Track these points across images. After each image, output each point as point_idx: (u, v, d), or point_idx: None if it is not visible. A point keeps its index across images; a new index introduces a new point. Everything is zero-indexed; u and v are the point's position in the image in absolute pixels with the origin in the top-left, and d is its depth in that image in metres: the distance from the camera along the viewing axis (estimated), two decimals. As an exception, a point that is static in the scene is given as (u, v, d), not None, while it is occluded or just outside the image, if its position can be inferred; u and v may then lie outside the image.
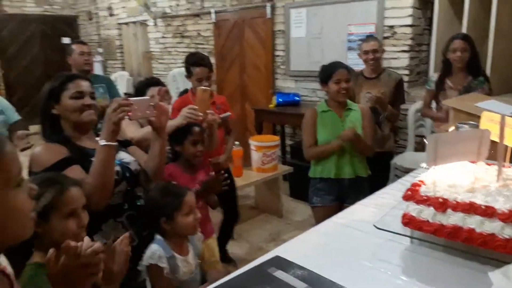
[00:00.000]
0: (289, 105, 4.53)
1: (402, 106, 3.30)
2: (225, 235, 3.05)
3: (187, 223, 1.56)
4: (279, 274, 1.04)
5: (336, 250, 1.21)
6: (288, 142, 4.90)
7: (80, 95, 1.52)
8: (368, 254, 1.16)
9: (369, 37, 3.40)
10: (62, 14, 8.09)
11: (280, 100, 4.57)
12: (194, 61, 2.55)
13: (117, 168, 1.53)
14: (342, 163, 2.41)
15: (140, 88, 2.17)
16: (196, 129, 2.01)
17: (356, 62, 3.66)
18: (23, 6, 7.66)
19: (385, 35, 3.88)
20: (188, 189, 1.63)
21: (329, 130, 2.40)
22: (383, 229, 1.16)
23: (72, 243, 0.93)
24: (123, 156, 1.62)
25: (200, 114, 1.89)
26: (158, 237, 1.56)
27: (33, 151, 1.51)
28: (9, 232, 0.76)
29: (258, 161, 3.80)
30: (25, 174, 0.88)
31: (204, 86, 2.52)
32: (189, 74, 2.57)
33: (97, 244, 0.96)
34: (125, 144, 1.71)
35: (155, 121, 1.56)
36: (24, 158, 1.03)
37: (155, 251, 1.50)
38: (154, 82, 2.23)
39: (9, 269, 0.86)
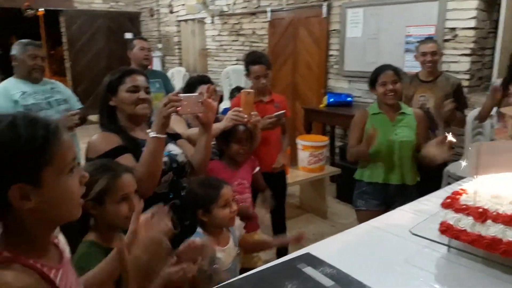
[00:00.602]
0: (341, 105, 4.47)
1: (460, 112, 3.16)
2: (280, 233, 3.04)
3: (223, 216, 1.60)
4: (308, 270, 1.05)
5: (369, 253, 1.20)
6: (338, 143, 4.84)
7: (135, 89, 1.61)
8: (401, 259, 1.14)
9: (428, 39, 3.29)
10: (127, 10, 8.51)
11: (332, 100, 4.53)
12: (252, 59, 2.62)
13: (165, 159, 1.61)
14: (391, 168, 2.36)
15: (191, 85, 2.26)
16: (241, 128, 2.07)
17: (413, 64, 3.56)
18: (91, 2, 8.14)
19: (446, 37, 3.72)
20: (225, 183, 1.68)
21: (380, 134, 2.35)
22: (418, 235, 1.14)
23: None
24: (172, 148, 1.71)
25: (245, 116, 1.94)
26: (198, 229, 1.63)
27: (90, 138, 1.63)
28: (59, 214, 0.83)
29: (304, 160, 3.79)
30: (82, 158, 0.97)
31: (262, 84, 2.59)
32: (247, 72, 2.63)
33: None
34: (174, 137, 1.80)
35: (202, 117, 1.62)
36: (82, 146, 1.12)
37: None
38: (205, 79, 2.31)
39: (61, 241, 0.95)
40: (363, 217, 2.40)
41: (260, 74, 2.57)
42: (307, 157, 3.76)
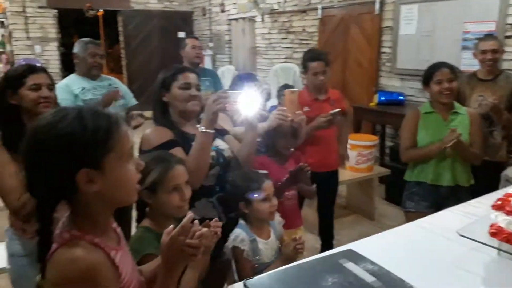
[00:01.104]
0: (392, 104, 4.35)
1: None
2: (327, 236, 3.02)
3: (263, 209, 1.64)
4: (350, 265, 1.06)
5: (413, 252, 1.18)
6: (388, 143, 4.71)
7: (187, 86, 1.68)
8: (447, 261, 1.11)
9: (488, 35, 3.11)
10: (180, 10, 8.78)
11: (383, 98, 4.42)
12: (311, 55, 2.65)
13: (213, 153, 1.67)
14: (442, 169, 2.28)
15: (238, 82, 2.31)
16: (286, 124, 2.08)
17: (470, 63, 3.39)
18: (147, 2, 8.48)
19: (507, 34, 3.51)
20: (266, 177, 1.71)
21: (432, 133, 2.28)
22: (467, 237, 1.11)
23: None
24: (219, 143, 1.77)
25: (289, 115, 1.96)
26: (241, 221, 1.68)
27: (144, 132, 1.72)
28: (118, 197, 0.91)
29: (352, 160, 3.74)
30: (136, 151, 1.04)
31: (319, 81, 2.59)
32: (305, 69, 2.65)
33: (205, 231, 1.03)
34: (222, 133, 1.86)
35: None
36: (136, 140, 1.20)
37: (238, 234, 1.62)
38: (251, 77, 2.35)
39: (118, 228, 1.03)
40: (411, 219, 2.32)
41: (318, 71, 2.58)
42: (355, 156, 3.71)
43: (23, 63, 5.84)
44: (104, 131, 0.85)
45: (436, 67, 2.28)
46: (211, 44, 8.23)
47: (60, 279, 0.82)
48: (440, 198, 2.30)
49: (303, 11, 5.78)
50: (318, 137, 2.59)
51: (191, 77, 1.71)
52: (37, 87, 1.59)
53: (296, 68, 5.75)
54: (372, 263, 1.07)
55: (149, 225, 1.38)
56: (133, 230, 1.51)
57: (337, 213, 3.79)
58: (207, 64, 7.77)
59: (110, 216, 0.96)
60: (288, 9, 6.05)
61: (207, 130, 1.55)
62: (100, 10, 7.86)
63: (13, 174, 1.48)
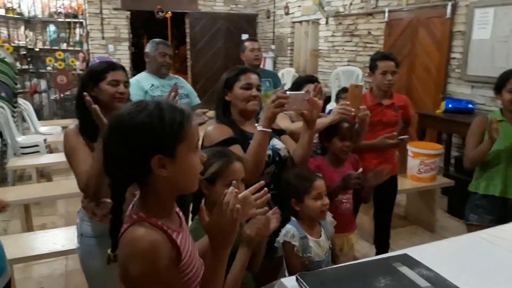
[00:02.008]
0: (460, 112, 4.12)
1: None
2: (382, 244, 2.94)
3: (315, 207, 1.66)
4: (404, 269, 1.03)
5: (472, 263, 1.12)
6: (454, 153, 4.47)
7: (249, 86, 1.73)
8: (508, 275, 1.04)
9: None
10: (245, 12, 8.95)
11: (450, 106, 4.20)
12: (381, 55, 2.62)
13: (269, 152, 1.71)
14: (511, 181, 2.14)
15: (298, 84, 2.31)
16: (345, 125, 2.05)
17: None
18: (213, 5, 8.75)
19: None
20: (319, 176, 1.72)
21: (501, 142, 2.15)
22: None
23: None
24: (276, 142, 1.80)
25: (352, 110, 1.93)
26: (293, 218, 1.70)
27: (206, 129, 1.79)
28: (184, 184, 0.99)
29: (414, 168, 3.60)
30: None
31: (387, 81, 2.54)
32: (373, 69, 2.61)
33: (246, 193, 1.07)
34: (279, 133, 1.88)
35: (307, 114, 1.67)
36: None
37: (289, 229, 1.65)
38: (312, 79, 2.34)
39: (180, 212, 1.10)
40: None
41: (388, 70, 2.52)
42: (417, 165, 3.57)
43: (97, 61, 6.27)
44: (178, 123, 0.93)
45: (509, 74, 2.14)
46: (273, 47, 8.30)
47: (126, 255, 0.91)
48: (507, 212, 2.16)
49: (369, 14, 5.65)
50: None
51: (253, 78, 1.76)
52: (115, 83, 1.71)
53: (359, 72, 5.65)
54: (428, 269, 1.04)
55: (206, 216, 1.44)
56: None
57: (394, 223, 3.67)
58: (268, 66, 7.85)
59: (174, 200, 1.04)
60: (353, 12, 5.95)
61: (265, 129, 1.59)
62: (168, 12, 8.22)
63: (86, 159, 1.62)
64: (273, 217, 1.32)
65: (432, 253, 1.21)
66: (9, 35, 7.56)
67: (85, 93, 1.58)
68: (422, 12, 4.86)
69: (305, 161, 1.81)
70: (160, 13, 8.09)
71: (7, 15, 7.53)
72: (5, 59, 4.93)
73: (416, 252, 1.18)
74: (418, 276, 1.01)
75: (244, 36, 8.48)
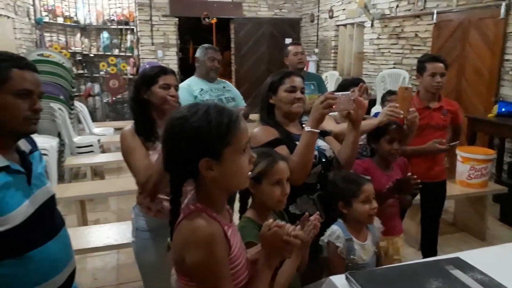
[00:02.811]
0: (514, 116, 3.95)
1: None
2: (429, 251, 2.87)
3: (363, 211, 1.65)
4: (456, 272, 1.02)
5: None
6: (507, 159, 4.28)
7: (293, 89, 1.78)
8: None
9: None
10: (289, 17, 8.99)
11: (503, 110, 4.02)
12: (430, 56, 2.61)
13: (315, 152, 1.73)
14: None
15: (344, 86, 2.32)
16: (393, 127, 2.04)
17: None
18: (258, 10, 8.86)
19: None
20: (368, 180, 1.71)
21: None
22: None
23: (279, 224, 1.08)
24: (321, 143, 1.83)
25: (401, 112, 1.92)
26: (339, 220, 1.71)
27: (253, 130, 1.85)
28: (232, 183, 1.04)
29: (463, 174, 3.49)
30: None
31: (436, 83, 2.51)
32: (421, 71, 2.58)
33: (300, 233, 1.09)
34: (324, 134, 1.91)
35: (352, 114, 1.69)
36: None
37: (335, 230, 1.66)
38: (357, 82, 2.35)
39: (230, 209, 1.16)
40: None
41: (437, 72, 2.50)
42: (467, 170, 3.45)
43: (147, 66, 6.51)
44: (225, 126, 0.98)
45: None
46: (316, 50, 8.28)
47: (184, 243, 0.98)
48: None
49: (417, 16, 5.53)
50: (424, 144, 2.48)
51: (297, 81, 1.80)
52: (166, 87, 1.81)
53: (406, 74, 5.53)
54: (482, 273, 1.02)
55: (251, 216, 1.49)
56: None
57: (442, 229, 3.57)
58: (310, 69, 7.84)
59: (225, 198, 1.10)
60: (400, 14, 5.84)
61: (313, 130, 1.61)
62: (214, 18, 8.42)
63: (142, 157, 1.73)
64: (315, 222, 1.34)
65: (485, 258, 1.18)
66: (66, 42, 8.05)
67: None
68: (474, 13, 4.69)
69: (351, 163, 1.82)
70: (206, 19, 8.30)
71: (65, 23, 8.02)
72: (64, 64, 5.26)
73: (468, 256, 1.15)
74: (471, 280, 0.99)
75: (288, 40, 8.51)
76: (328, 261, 1.67)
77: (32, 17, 7.22)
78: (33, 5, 7.33)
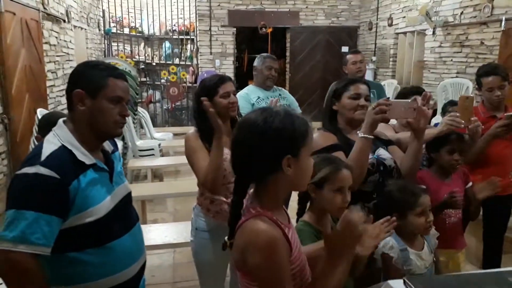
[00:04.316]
0: None
1: None
2: (491, 269, 2.73)
3: (418, 224, 1.61)
4: (520, 286, 0.99)
5: None
6: None
7: (357, 96, 1.78)
8: None
9: None
10: (346, 25, 8.92)
11: None
12: (485, 70, 2.50)
13: (373, 160, 1.73)
14: None
15: (404, 95, 2.29)
16: (454, 137, 1.97)
17: None
18: (314, 19, 8.87)
19: None
20: (425, 191, 1.66)
21: None
22: None
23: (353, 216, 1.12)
24: (382, 152, 1.81)
25: (462, 122, 1.86)
26: (393, 230, 1.67)
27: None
28: (298, 183, 1.10)
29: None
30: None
31: (496, 96, 2.43)
32: (479, 85, 2.52)
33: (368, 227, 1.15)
34: (386, 143, 1.89)
35: (413, 123, 1.67)
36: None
37: (388, 241, 1.62)
38: (419, 90, 2.30)
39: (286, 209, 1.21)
40: None
41: (493, 86, 2.41)
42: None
43: (205, 75, 6.73)
44: (304, 128, 1.07)
45: None
46: (374, 58, 8.14)
47: (245, 245, 1.03)
48: None
49: (483, 23, 5.27)
50: (490, 154, 2.37)
51: (362, 88, 1.81)
52: (226, 95, 1.89)
53: (469, 84, 5.30)
54: (549, 289, 0.98)
55: (309, 220, 1.51)
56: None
57: (507, 248, 3.36)
58: (367, 77, 7.70)
59: (284, 198, 1.15)
60: (464, 21, 5.61)
61: (366, 136, 1.62)
62: (270, 27, 8.55)
63: (205, 157, 1.83)
64: (383, 227, 1.34)
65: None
66: (131, 51, 8.54)
67: (202, 98, 1.77)
68: (547, 19, 4.41)
69: (413, 173, 1.79)
70: (263, 28, 8.45)
71: (131, 33, 8.53)
72: (130, 72, 5.60)
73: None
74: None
75: (344, 49, 8.45)
76: (384, 273, 1.63)
77: (102, 28, 7.76)
78: (103, 17, 7.88)
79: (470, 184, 2.08)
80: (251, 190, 1.13)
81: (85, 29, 6.31)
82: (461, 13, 5.66)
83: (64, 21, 4.98)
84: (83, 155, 1.32)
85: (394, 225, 1.33)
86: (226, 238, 1.18)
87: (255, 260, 0.99)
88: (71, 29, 5.36)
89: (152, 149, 5.34)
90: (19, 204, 1.20)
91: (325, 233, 1.11)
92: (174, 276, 3.18)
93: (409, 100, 1.67)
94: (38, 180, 1.21)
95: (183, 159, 4.60)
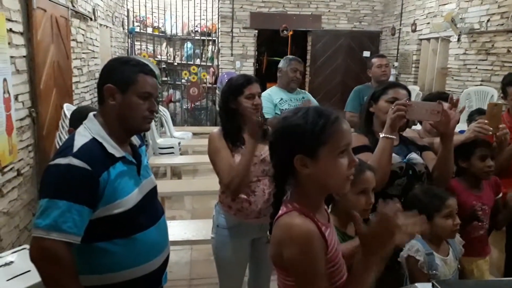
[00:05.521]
0: None
1: None
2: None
3: (445, 226, 1.61)
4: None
5: None
6: None
7: (395, 100, 1.75)
8: None
9: None
10: (368, 30, 8.86)
11: None
12: (508, 80, 2.48)
13: (402, 164, 1.72)
14: None
15: (429, 100, 2.26)
16: (484, 143, 1.94)
17: None
18: (336, 23, 8.84)
19: None
20: (452, 195, 1.66)
21: None
22: None
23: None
24: (413, 157, 1.80)
25: (490, 129, 1.84)
26: (419, 235, 1.66)
27: None
28: (327, 184, 1.06)
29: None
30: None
31: None
32: (504, 94, 2.50)
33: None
34: (421, 148, 1.89)
35: (438, 126, 1.66)
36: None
37: (414, 244, 1.62)
38: (443, 96, 2.28)
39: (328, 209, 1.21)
40: None
41: None
42: None
43: (225, 76, 6.77)
44: (320, 126, 1.02)
45: None
46: (396, 64, 8.06)
47: (281, 239, 1.03)
48: None
49: (510, 31, 5.18)
50: None
51: (401, 93, 1.80)
52: (251, 96, 1.91)
53: (494, 92, 5.21)
54: None
55: (333, 223, 1.51)
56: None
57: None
58: (389, 83, 7.63)
59: (322, 198, 1.13)
60: (491, 28, 5.51)
61: (387, 135, 1.63)
62: (291, 30, 8.55)
63: (228, 158, 1.85)
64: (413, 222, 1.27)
65: None
66: (154, 50, 8.66)
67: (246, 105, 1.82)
68: None
69: (443, 179, 1.77)
70: (284, 31, 8.47)
71: (154, 33, 8.65)
72: (154, 71, 5.67)
73: None
74: None
75: (366, 53, 8.39)
76: (410, 277, 1.62)
77: (126, 27, 7.89)
78: (127, 16, 8.01)
79: (501, 195, 2.04)
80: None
81: (110, 27, 6.43)
82: (488, 20, 5.57)
83: (91, 19, 5.09)
84: (113, 148, 1.35)
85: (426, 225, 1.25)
86: (268, 232, 1.18)
87: (290, 253, 1.00)
88: (97, 27, 5.47)
89: (172, 147, 5.41)
90: (52, 193, 1.24)
91: (359, 230, 1.03)
92: (191, 273, 3.21)
93: (434, 103, 1.66)
94: (71, 171, 1.25)
95: (201, 158, 4.68)
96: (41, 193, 1.28)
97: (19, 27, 2.94)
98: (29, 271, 1.85)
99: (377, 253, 1.01)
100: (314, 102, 3.18)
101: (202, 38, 8.86)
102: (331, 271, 1.06)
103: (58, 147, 2.20)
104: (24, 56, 3.03)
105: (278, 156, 1.08)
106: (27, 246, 1.91)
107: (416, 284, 1.15)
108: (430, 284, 1.11)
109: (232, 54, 8.63)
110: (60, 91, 3.84)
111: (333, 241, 1.10)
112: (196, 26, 8.86)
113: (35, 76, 3.17)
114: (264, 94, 2.86)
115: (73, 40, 4.36)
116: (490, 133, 1.85)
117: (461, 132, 3.13)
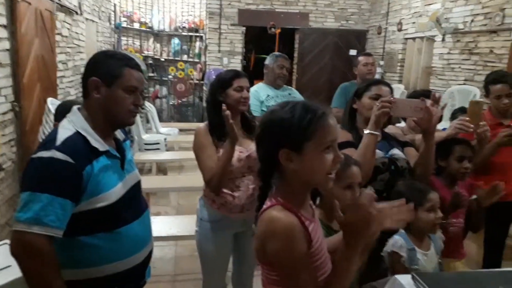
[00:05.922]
0: None
1: None
2: None
3: (428, 220, 1.64)
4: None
5: None
6: None
7: (378, 97, 1.79)
8: None
9: None
10: (355, 28, 8.92)
11: None
12: (493, 77, 2.54)
13: (385, 160, 1.75)
14: None
15: (414, 97, 2.30)
16: (463, 144, 1.98)
17: None
18: (324, 21, 8.88)
19: None
20: (434, 189, 1.69)
21: None
22: None
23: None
24: (396, 152, 1.84)
25: (471, 126, 1.88)
26: (401, 230, 1.69)
27: None
28: (312, 179, 1.07)
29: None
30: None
31: (503, 104, 2.47)
32: (487, 93, 2.55)
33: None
34: (403, 144, 1.92)
35: (420, 123, 1.69)
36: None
37: (397, 240, 1.65)
38: (427, 94, 2.32)
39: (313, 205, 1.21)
40: None
41: (501, 94, 2.45)
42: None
43: (213, 72, 6.75)
44: (307, 121, 1.02)
45: None
46: (381, 62, 8.14)
47: (264, 233, 1.04)
48: None
49: (493, 32, 5.28)
50: (493, 161, 2.38)
51: (384, 90, 1.83)
52: (240, 89, 1.92)
53: (477, 91, 5.30)
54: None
55: (319, 216, 1.53)
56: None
57: (507, 254, 3.36)
58: (375, 82, 7.71)
59: (307, 193, 1.14)
60: (475, 29, 5.61)
61: (372, 132, 1.65)
62: (279, 28, 8.56)
63: (212, 155, 1.86)
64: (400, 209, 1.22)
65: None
66: (140, 45, 8.58)
67: (223, 107, 1.78)
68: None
69: (425, 175, 1.80)
70: (272, 29, 8.47)
71: (141, 28, 8.57)
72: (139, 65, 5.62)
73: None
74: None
75: (352, 52, 8.45)
76: (391, 272, 1.65)
77: (112, 22, 7.80)
78: (114, 11, 7.92)
79: (475, 196, 2.09)
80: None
81: (96, 22, 6.35)
82: (472, 20, 5.66)
83: (77, 13, 5.02)
84: (97, 142, 1.35)
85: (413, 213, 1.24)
86: (253, 225, 1.18)
87: (273, 247, 1.00)
88: (83, 22, 5.40)
89: (158, 143, 5.38)
90: (34, 186, 1.23)
91: (338, 219, 1.03)
92: (175, 269, 3.21)
93: (417, 100, 1.69)
94: (53, 164, 1.24)
95: (187, 154, 4.66)
96: (22, 186, 1.27)
97: (2, 20, 2.89)
98: (9, 266, 1.82)
99: (356, 243, 1.00)
100: (299, 97, 3.20)
101: (189, 34, 8.81)
102: (315, 265, 1.07)
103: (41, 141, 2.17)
104: (7, 50, 2.98)
105: (264, 150, 1.09)
106: (8, 241, 1.89)
107: (396, 276, 1.17)
108: (409, 276, 1.13)
109: (219, 51, 8.61)
110: (44, 86, 3.79)
111: (318, 235, 1.10)
112: (184, 22, 8.81)
113: (18, 70, 3.12)
114: (251, 90, 2.87)
115: (58, 34, 4.29)
116: (471, 130, 1.89)
117: (444, 130, 3.18)
